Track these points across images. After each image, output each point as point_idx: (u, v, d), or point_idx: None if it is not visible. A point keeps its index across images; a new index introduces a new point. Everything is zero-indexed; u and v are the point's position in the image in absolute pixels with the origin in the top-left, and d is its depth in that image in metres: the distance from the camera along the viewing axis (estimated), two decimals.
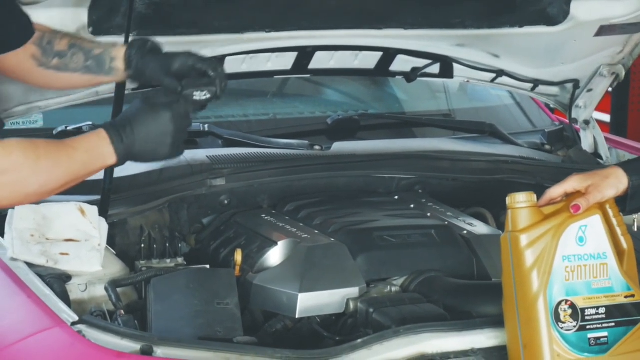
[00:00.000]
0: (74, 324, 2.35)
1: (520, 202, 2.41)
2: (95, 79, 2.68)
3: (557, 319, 2.37)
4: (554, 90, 3.89)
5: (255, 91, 3.98)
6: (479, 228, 3.14)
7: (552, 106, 4.05)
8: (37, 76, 2.57)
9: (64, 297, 2.55)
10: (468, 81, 3.76)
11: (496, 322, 2.52)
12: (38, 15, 2.86)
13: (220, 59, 2.64)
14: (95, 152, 2.41)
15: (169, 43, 3.06)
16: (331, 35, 3.36)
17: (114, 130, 2.43)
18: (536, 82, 3.80)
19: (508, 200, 2.43)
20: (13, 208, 2.75)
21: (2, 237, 2.77)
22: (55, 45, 2.67)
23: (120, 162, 2.45)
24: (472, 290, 2.85)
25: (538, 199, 2.46)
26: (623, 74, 3.81)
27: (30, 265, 2.64)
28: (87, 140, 2.42)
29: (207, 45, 3.20)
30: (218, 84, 2.56)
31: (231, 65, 3.36)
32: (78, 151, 2.38)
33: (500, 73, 3.71)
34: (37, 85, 2.50)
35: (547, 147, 3.94)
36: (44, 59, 2.66)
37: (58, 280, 2.61)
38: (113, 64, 2.68)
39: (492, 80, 3.75)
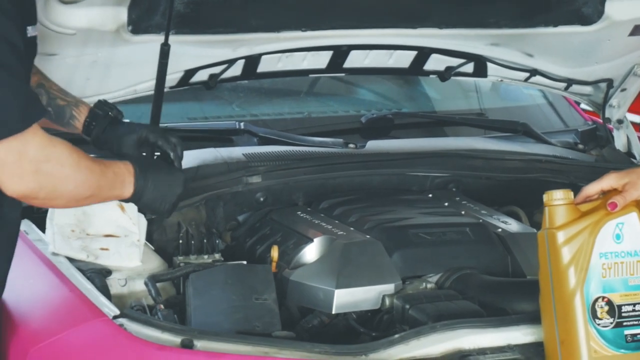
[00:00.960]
0: (115, 317, 2.39)
1: (557, 199, 2.43)
2: (50, 124, 2.71)
3: (593, 315, 2.38)
4: (588, 89, 3.89)
5: (289, 90, 4.01)
6: (513, 226, 3.16)
7: (585, 105, 4.06)
8: None
9: (105, 291, 2.59)
10: (502, 80, 3.77)
11: (532, 318, 2.53)
12: (78, 15, 2.91)
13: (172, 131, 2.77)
14: (120, 178, 2.47)
15: (207, 41, 3.13)
16: (366, 34, 3.38)
17: (139, 168, 2.50)
18: (570, 82, 3.80)
19: (545, 197, 2.45)
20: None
21: (44, 232, 2.81)
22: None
23: (131, 199, 2.51)
24: (508, 287, 2.86)
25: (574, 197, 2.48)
26: None
27: (71, 260, 2.68)
28: (116, 165, 2.49)
29: (244, 44, 3.24)
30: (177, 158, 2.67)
31: (267, 64, 3.40)
32: (109, 169, 2.44)
33: (534, 72, 3.72)
34: None
35: (580, 146, 3.94)
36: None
37: (99, 275, 2.65)
38: (72, 121, 2.74)
39: (526, 80, 3.76)
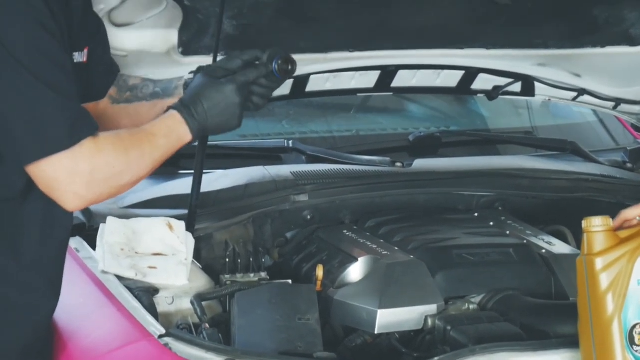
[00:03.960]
0: (161, 336, 2.44)
1: (596, 225, 2.44)
2: (159, 102, 2.80)
3: (631, 341, 2.39)
4: (637, 108, 3.89)
5: (339, 105, 4.05)
6: (558, 247, 3.17)
7: (634, 124, 4.06)
8: (109, 114, 2.69)
9: (152, 309, 2.64)
10: (549, 100, 3.79)
11: (572, 342, 2.54)
12: (130, 37, 2.99)
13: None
14: (173, 136, 2.51)
15: None
16: (414, 54, 3.42)
17: (186, 110, 2.53)
18: (618, 101, 3.81)
19: (584, 224, 2.47)
20: (104, 220, 2.87)
21: (94, 249, 2.88)
22: (130, 81, 2.79)
23: (195, 138, 2.55)
24: (550, 310, 2.88)
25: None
26: None
27: (120, 278, 2.74)
28: (164, 125, 2.52)
29: None
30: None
31: (315, 84, 3.45)
32: (158, 137, 2.48)
33: (581, 92, 3.73)
34: (108, 126, 2.61)
35: (629, 165, 3.94)
36: (118, 95, 2.79)
37: (146, 293, 2.70)
38: (178, 89, 2.85)
39: (574, 99, 3.77)
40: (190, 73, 2.78)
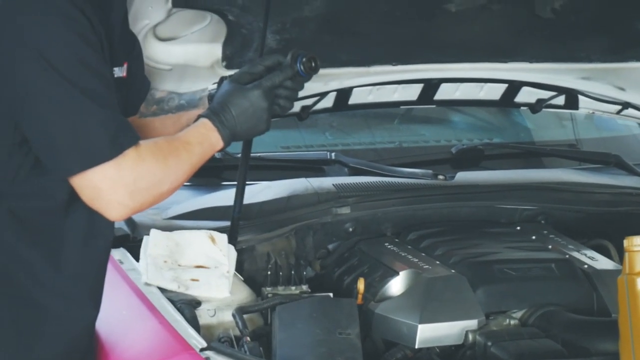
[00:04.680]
0: (202, 350, 2.46)
1: (637, 245, 2.44)
2: (184, 114, 2.85)
3: None
4: None
5: (382, 116, 4.06)
6: (601, 262, 3.16)
7: None
8: (136, 127, 2.72)
9: (194, 322, 2.66)
10: (593, 113, 3.78)
11: None
12: (175, 51, 3.02)
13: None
14: (207, 143, 2.53)
15: None
16: (457, 68, 3.43)
17: (216, 117, 2.55)
18: None
19: (625, 243, 2.46)
20: (147, 232, 2.90)
21: (137, 260, 2.91)
22: (157, 94, 2.83)
23: (226, 145, 2.57)
24: (591, 326, 2.87)
25: None
26: None
27: (162, 290, 2.76)
28: (197, 132, 2.54)
29: (335, 78, 3.31)
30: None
31: (358, 96, 3.47)
32: (193, 144, 2.50)
33: (625, 105, 3.72)
34: None
35: None
36: (145, 109, 2.82)
37: (188, 306, 2.73)
38: (202, 99, 2.89)
39: (618, 112, 3.76)
40: (214, 84, 2.80)
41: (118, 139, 2.34)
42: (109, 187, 2.34)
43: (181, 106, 2.95)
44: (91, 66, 2.33)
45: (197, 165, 2.51)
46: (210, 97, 2.81)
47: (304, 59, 2.65)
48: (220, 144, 2.55)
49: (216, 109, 2.57)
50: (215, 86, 2.80)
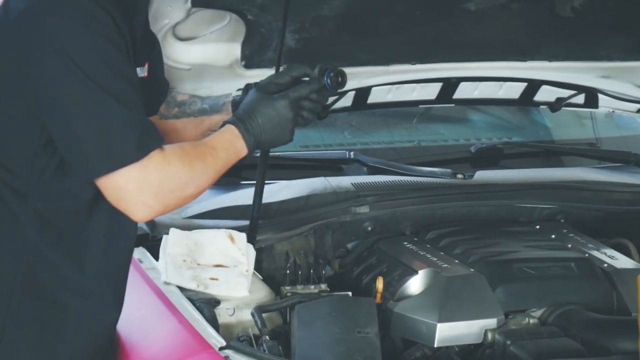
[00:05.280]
0: (221, 348, 2.47)
1: None
2: (207, 119, 2.86)
3: None
4: None
5: (401, 114, 4.06)
6: (620, 261, 3.15)
7: None
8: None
9: (213, 321, 2.67)
10: (613, 111, 3.77)
11: (633, 359, 2.53)
12: (194, 51, 3.02)
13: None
14: (232, 149, 2.54)
15: None
16: (475, 67, 3.42)
17: (242, 125, 2.57)
18: None
19: None
20: (167, 232, 2.91)
21: (157, 259, 2.92)
22: (178, 97, 2.83)
23: (250, 152, 2.59)
24: (610, 325, 2.86)
25: None
26: None
27: (181, 289, 2.78)
28: (223, 138, 2.55)
29: (354, 77, 3.30)
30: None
31: (377, 95, 3.47)
32: (218, 150, 2.51)
33: None
34: None
35: None
36: (166, 111, 2.83)
37: (207, 305, 2.73)
38: (225, 105, 2.88)
39: (638, 111, 3.75)
40: (238, 90, 2.81)
41: (144, 141, 2.35)
42: (135, 188, 2.35)
43: (204, 110, 2.96)
44: (117, 68, 2.34)
45: (222, 171, 2.53)
46: (234, 103, 2.82)
47: (331, 74, 2.67)
48: (244, 151, 2.57)
49: (242, 117, 2.59)
50: (239, 93, 2.81)
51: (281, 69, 2.96)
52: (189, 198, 2.47)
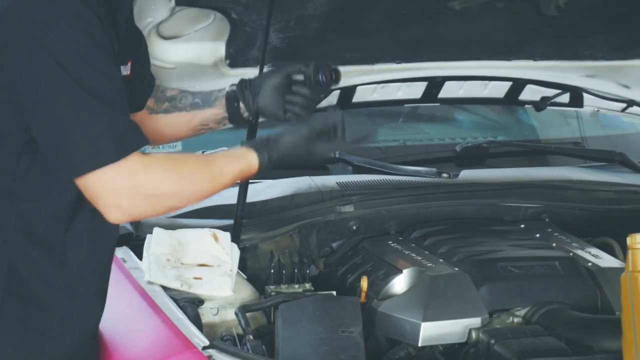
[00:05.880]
0: (204, 348, 2.46)
1: None
2: (198, 114, 2.83)
3: None
4: None
5: (386, 114, 4.05)
6: (605, 260, 3.15)
7: None
8: (146, 124, 2.71)
9: (197, 320, 2.66)
10: (598, 110, 3.77)
11: (617, 358, 2.53)
12: (178, 49, 3.02)
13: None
14: (232, 155, 2.51)
15: None
16: (460, 66, 3.43)
17: (256, 142, 2.55)
18: None
19: (629, 240, 2.46)
20: (150, 231, 2.91)
21: (141, 259, 2.91)
22: (168, 92, 2.83)
23: (264, 166, 2.53)
24: (595, 324, 2.86)
25: None
26: None
27: (165, 288, 2.76)
28: (231, 152, 2.53)
29: None
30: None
31: (362, 94, 3.46)
32: (222, 164, 2.48)
33: (630, 103, 3.72)
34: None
35: None
36: (156, 105, 2.82)
37: (191, 304, 2.73)
38: (218, 99, 2.86)
39: (623, 110, 3.75)
40: (232, 85, 2.80)
41: (124, 142, 2.33)
42: (108, 189, 2.33)
43: (196, 104, 2.92)
44: (100, 68, 2.32)
45: (225, 184, 2.48)
46: (229, 97, 2.80)
47: (326, 70, 2.67)
48: (254, 160, 2.51)
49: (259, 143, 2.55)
50: (234, 87, 2.80)
51: (265, 67, 2.96)
52: (172, 208, 2.45)
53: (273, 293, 2.94)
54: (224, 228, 2.97)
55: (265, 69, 2.95)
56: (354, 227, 3.31)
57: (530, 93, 3.64)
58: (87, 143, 2.32)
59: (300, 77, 2.72)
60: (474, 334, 2.83)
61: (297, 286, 2.99)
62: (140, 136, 2.39)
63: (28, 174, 2.41)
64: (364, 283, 2.97)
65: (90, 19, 2.33)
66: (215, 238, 2.91)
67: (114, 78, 2.37)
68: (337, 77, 2.70)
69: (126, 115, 2.39)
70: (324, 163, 3.61)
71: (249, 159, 2.50)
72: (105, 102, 2.31)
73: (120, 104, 2.36)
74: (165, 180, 2.38)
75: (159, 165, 2.38)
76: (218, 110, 2.86)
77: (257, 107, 2.79)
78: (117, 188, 2.33)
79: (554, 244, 3.23)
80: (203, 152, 3.50)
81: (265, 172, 2.53)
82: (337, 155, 3.64)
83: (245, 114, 2.82)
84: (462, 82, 3.54)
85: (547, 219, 3.47)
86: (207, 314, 2.78)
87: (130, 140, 2.35)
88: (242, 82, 2.77)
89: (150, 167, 2.36)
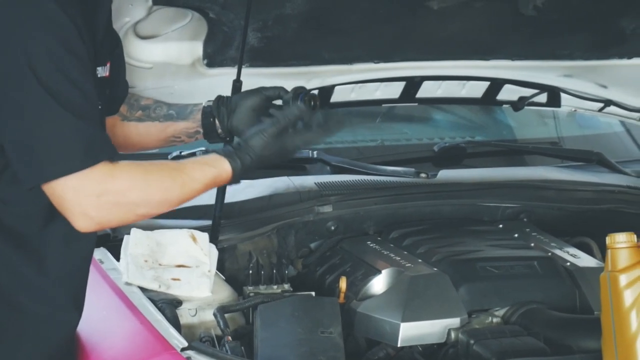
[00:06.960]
0: (183, 349, 2.45)
1: (620, 242, 2.44)
2: (171, 125, 2.84)
3: None
4: None
5: (364, 114, 4.05)
6: (583, 260, 3.16)
7: None
8: (117, 131, 2.68)
9: (175, 322, 2.65)
10: (575, 110, 3.78)
11: (596, 358, 2.53)
12: (155, 49, 3.00)
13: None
14: (202, 161, 2.48)
15: (280, 74, 3.20)
16: (438, 65, 3.42)
17: (229, 149, 2.53)
18: None
19: (608, 240, 2.46)
20: (128, 232, 2.89)
21: (119, 260, 2.89)
22: (142, 101, 2.82)
23: (238, 173, 2.51)
24: (574, 324, 2.86)
25: None
26: None
27: (143, 289, 2.75)
28: (203, 158, 2.50)
29: (317, 76, 3.30)
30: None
31: (340, 94, 3.46)
32: (193, 170, 2.45)
33: (608, 103, 3.72)
34: (116, 143, 2.53)
35: None
36: (129, 113, 2.80)
37: (169, 306, 2.71)
38: (193, 113, 2.85)
39: (600, 110, 3.76)
40: (209, 101, 2.79)
41: (91, 151, 2.29)
42: (72, 197, 2.29)
43: (169, 116, 2.91)
44: (71, 76, 2.28)
45: (198, 191, 2.46)
46: (205, 112, 2.79)
47: (305, 97, 2.67)
48: (227, 167, 2.49)
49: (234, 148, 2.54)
50: (210, 103, 2.79)
51: (243, 67, 2.95)
52: (143, 216, 2.41)
53: (252, 294, 2.93)
54: (202, 229, 2.96)
55: (243, 69, 2.94)
56: (333, 228, 3.31)
57: (508, 93, 3.64)
58: (52, 150, 2.28)
59: (278, 102, 2.71)
60: (453, 334, 2.82)
61: (275, 287, 2.98)
62: (109, 146, 2.36)
63: (2, 178, 2.38)
64: (343, 283, 2.96)
65: (66, 25, 2.29)
66: (194, 239, 2.90)
67: (85, 87, 2.32)
68: (315, 103, 2.70)
69: (95, 123, 2.35)
70: (300, 155, 3.61)
71: (222, 165, 2.48)
72: (73, 110, 2.27)
73: (89, 113, 2.32)
74: (133, 187, 2.35)
75: (125, 172, 2.35)
76: (192, 124, 2.86)
77: (231, 125, 2.78)
78: (83, 196, 2.29)
79: (533, 244, 3.24)
80: (180, 152, 3.52)
81: (243, 176, 2.52)
82: (315, 155, 3.65)
83: (219, 131, 2.81)
84: (440, 82, 3.54)
85: (525, 219, 3.48)
86: (185, 315, 2.77)
87: (97, 150, 2.31)
88: (219, 99, 2.77)
89: (117, 174, 2.33)
